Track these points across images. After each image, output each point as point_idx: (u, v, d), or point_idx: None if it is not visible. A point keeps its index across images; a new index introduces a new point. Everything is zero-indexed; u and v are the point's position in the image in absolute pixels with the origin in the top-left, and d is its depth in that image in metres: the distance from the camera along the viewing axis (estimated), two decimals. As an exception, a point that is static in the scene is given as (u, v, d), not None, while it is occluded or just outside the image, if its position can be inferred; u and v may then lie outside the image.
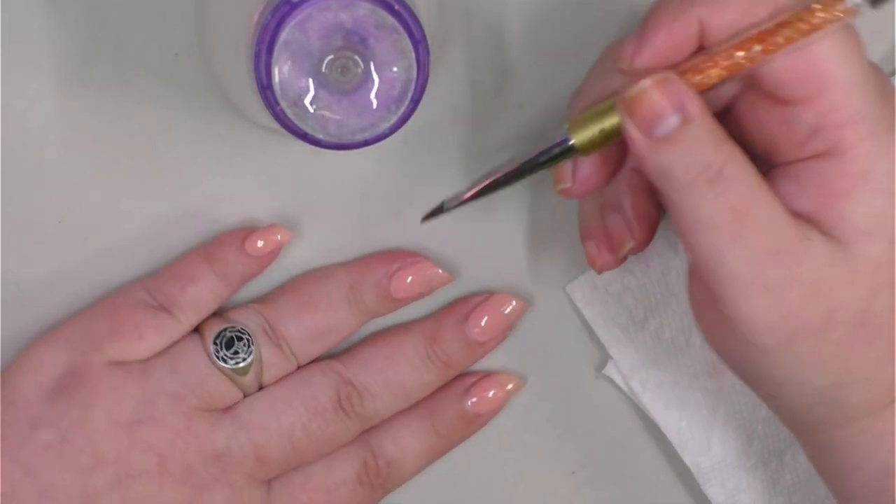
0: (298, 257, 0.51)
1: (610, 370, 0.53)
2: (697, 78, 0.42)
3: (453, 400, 0.52)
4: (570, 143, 0.44)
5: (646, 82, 0.42)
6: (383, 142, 0.41)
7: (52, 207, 0.50)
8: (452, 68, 0.50)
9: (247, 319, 0.50)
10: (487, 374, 0.53)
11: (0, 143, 0.49)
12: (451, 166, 0.51)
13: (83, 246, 0.50)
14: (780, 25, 0.41)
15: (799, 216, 0.43)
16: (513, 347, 0.53)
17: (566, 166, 0.46)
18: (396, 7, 0.39)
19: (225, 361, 0.48)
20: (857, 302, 0.43)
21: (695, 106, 0.42)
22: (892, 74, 0.51)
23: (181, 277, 0.49)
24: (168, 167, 0.50)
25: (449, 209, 0.47)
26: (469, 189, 0.47)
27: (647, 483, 0.55)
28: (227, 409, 0.49)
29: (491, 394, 0.52)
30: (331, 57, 0.40)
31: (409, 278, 0.51)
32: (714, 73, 0.42)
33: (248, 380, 0.49)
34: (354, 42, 0.40)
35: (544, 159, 0.45)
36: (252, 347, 0.48)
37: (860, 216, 0.42)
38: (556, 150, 0.45)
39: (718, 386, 0.53)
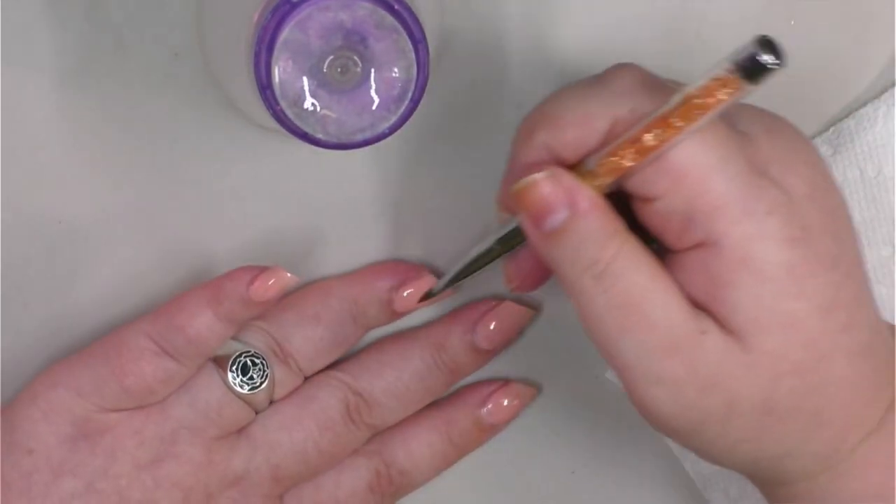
0: (298, 257, 0.51)
1: (611, 374, 0.53)
2: (600, 177, 0.42)
3: (469, 410, 0.52)
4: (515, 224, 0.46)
5: (535, 176, 0.42)
6: (383, 142, 0.41)
7: (52, 207, 0.50)
8: (452, 68, 0.50)
9: (255, 340, 0.49)
10: (504, 384, 0.53)
11: (0, 143, 0.49)
12: (451, 166, 0.51)
13: (83, 246, 0.50)
14: (674, 110, 0.40)
15: (697, 306, 0.42)
16: (513, 348, 0.53)
17: (509, 268, 0.48)
18: (396, 7, 0.39)
19: (242, 388, 0.48)
20: (756, 393, 0.42)
21: (585, 200, 0.42)
22: (893, 85, 0.51)
23: (184, 326, 0.48)
24: (168, 167, 0.50)
25: (436, 293, 0.50)
26: (445, 283, 0.49)
27: (646, 482, 0.55)
28: (241, 430, 0.49)
29: (506, 402, 0.52)
30: (331, 57, 0.40)
31: (411, 292, 0.51)
32: (616, 165, 0.42)
33: (260, 399, 0.49)
34: (354, 42, 0.40)
35: (501, 245, 0.47)
36: (267, 371, 0.48)
37: (749, 307, 0.41)
38: (510, 234, 0.46)
39: None
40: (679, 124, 0.40)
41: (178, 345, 0.48)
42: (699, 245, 0.41)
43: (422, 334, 0.52)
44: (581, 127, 0.42)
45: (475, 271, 0.48)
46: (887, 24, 0.51)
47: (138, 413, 0.48)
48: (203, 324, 0.48)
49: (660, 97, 0.41)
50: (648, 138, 0.41)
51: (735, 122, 0.42)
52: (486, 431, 0.52)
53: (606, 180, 0.42)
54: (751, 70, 0.38)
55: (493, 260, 0.48)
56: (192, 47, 0.48)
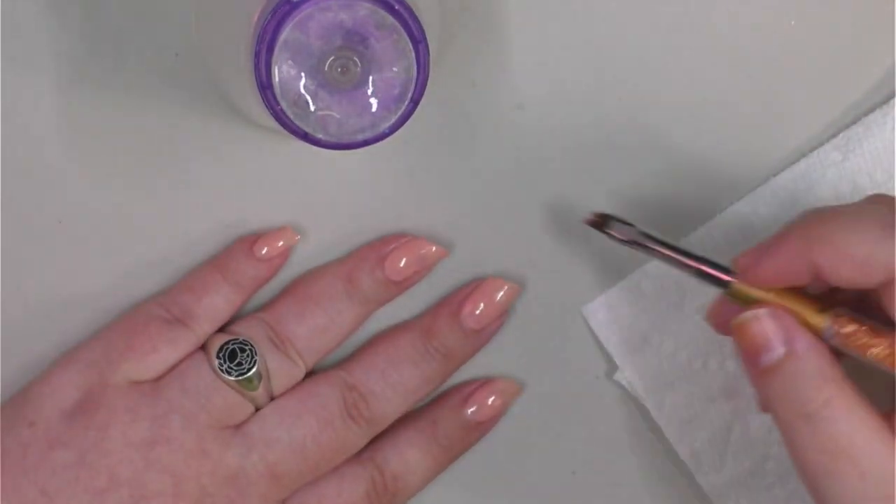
0: (298, 257, 0.51)
1: (619, 376, 0.53)
2: (852, 343, 0.44)
3: (453, 410, 0.52)
4: (729, 286, 0.45)
5: (757, 312, 0.44)
6: (383, 142, 0.41)
7: (52, 207, 0.50)
8: (452, 68, 0.50)
9: (250, 331, 0.50)
10: (485, 382, 0.53)
11: (0, 143, 0.49)
12: (451, 166, 0.51)
13: (83, 246, 0.50)
14: None
15: None
16: (512, 346, 0.53)
17: (716, 308, 0.47)
18: (396, 7, 0.39)
19: (230, 374, 0.48)
20: None
21: (803, 342, 0.43)
22: (893, 96, 0.51)
23: (194, 289, 0.50)
24: (168, 167, 0.50)
25: (610, 234, 0.47)
26: (640, 239, 0.47)
27: (647, 483, 0.55)
28: (238, 427, 0.49)
29: (490, 401, 0.52)
30: (331, 57, 0.40)
31: (403, 259, 0.51)
32: (869, 350, 0.43)
33: (258, 392, 0.49)
34: (354, 42, 0.40)
35: (702, 273, 0.46)
36: (256, 357, 0.48)
37: None
38: (714, 277, 0.46)
39: (734, 407, 0.53)
40: None
41: (188, 308, 0.49)
42: None
43: (411, 324, 0.52)
44: (859, 271, 0.43)
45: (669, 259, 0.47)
46: (888, 24, 0.51)
47: (134, 390, 0.48)
48: (211, 286, 0.50)
49: None
50: None
51: None
52: (473, 430, 0.52)
53: (840, 343, 0.43)
54: None
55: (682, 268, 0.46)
56: (192, 47, 0.48)
